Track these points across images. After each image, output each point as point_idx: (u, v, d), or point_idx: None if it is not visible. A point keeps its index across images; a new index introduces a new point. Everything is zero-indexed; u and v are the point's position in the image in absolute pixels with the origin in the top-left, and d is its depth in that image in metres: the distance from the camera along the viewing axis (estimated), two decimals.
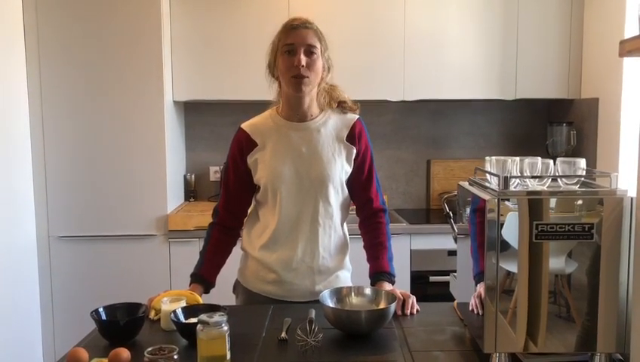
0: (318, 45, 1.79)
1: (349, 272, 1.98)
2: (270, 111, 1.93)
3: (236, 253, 1.98)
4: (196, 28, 3.23)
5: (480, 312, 1.38)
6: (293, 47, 1.77)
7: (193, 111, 3.62)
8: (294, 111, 1.87)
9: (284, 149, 1.85)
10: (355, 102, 1.95)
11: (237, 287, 2.01)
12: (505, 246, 1.30)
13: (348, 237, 1.98)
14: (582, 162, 1.38)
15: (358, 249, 1.98)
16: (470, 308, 1.47)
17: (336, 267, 1.93)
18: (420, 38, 3.29)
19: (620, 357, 1.36)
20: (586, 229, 1.28)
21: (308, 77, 1.77)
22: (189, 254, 2.67)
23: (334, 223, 1.90)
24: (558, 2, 3.32)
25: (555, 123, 3.45)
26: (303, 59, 1.75)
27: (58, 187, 3.06)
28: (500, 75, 3.34)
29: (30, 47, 2.99)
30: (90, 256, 3.08)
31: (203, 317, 1.35)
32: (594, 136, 3.19)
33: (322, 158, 1.85)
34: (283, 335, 1.56)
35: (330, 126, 1.89)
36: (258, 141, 1.87)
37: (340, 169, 1.87)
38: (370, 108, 2.08)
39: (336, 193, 1.88)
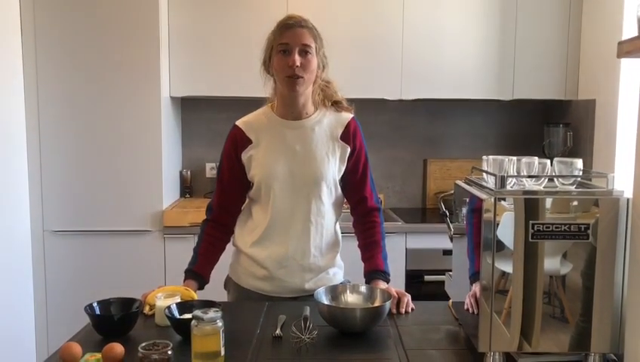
0: (313, 44, 1.77)
1: (341, 269, 1.98)
2: (265, 108, 1.93)
3: (229, 249, 1.98)
4: (194, 24, 3.22)
5: (475, 311, 1.38)
6: (288, 47, 1.76)
7: (190, 108, 3.61)
8: (289, 110, 1.86)
9: (278, 147, 1.85)
10: (350, 102, 1.95)
11: (228, 283, 2.01)
12: (500, 246, 1.30)
13: (340, 235, 1.98)
14: (579, 163, 1.38)
15: (351, 247, 1.98)
16: (465, 308, 1.47)
17: (327, 265, 1.92)
18: (418, 37, 3.28)
19: (614, 358, 1.36)
20: (582, 229, 1.29)
21: (302, 77, 1.76)
22: (184, 250, 2.66)
23: (326, 222, 1.89)
24: (556, 3, 3.32)
25: (551, 124, 3.46)
26: (298, 60, 1.74)
27: (53, 181, 3.05)
28: (498, 75, 3.34)
29: (27, 42, 2.98)
30: (85, 251, 3.07)
31: (197, 313, 1.34)
32: (590, 138, 3.20)
33: (316, 157, 1.84)
34: (277, 332, 1.56)
35: (324, 124, 1.88)
36: (252, 138, 1.86)
37: (334, 168, 1.87)
38: (367, 107, 2.08)
39: (330, 192, 1.88)
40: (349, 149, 1.88)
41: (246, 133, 1.87)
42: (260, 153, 1.85)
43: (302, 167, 1.84)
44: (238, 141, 1.87)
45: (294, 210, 1.85)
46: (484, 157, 1.50)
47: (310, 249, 1.87)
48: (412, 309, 1.77)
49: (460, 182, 1.59)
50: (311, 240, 1.87)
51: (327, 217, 1.89)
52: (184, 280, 1.86)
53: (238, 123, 1.91)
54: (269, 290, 1.90)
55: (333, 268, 1.94)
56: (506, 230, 1.29)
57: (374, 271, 1.89)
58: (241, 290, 1.94)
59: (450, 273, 1.76)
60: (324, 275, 1.91)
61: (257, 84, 1.91)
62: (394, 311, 1.74)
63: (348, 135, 1.89)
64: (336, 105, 1.92)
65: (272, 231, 1.86)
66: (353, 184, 1.93)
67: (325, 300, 1.65)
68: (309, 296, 1.70)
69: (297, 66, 1.74)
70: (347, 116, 1.92)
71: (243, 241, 1.93)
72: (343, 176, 1.90)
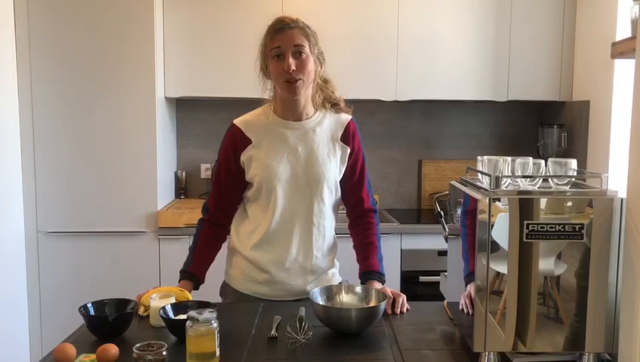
0: (305, 44, 1.75)
1: (337, 269, 1.98)
2: (264, 108, 1.91)
3: (224, 251, 1.97)
4: (189, 24, 3.22)
5: (470, 312, 1.38)
6: (280, 51, 1.74)
7: (185, 108, 3.60)
8: (290, 111, 1.85)
9: (281, 148, 1.83)
10: (348, 104, 1.94)
11: (224, 290, 1.98)
12: (495, 246, 1.30)
13: (335, 237, 1.98)
14: (573, 163, 1.39)
15: (346, 248, 1.98)
16: (460, 308, 1.47)
17: (327, 266, 1.93)
18: (413, 38, 3.29)
19: (608, 357, 1.36)
20: (577, 229, 1.29)
21: (301, 79, 1.75)
22: (179, 251, 2.66)
23: (327, 223, 1.89)
24: (551, 4, 3.34)
25: (546, 125, 3.47)
26: (293, 63, 1.73)
27: (47, 182, 3.04)
28: (493, 76, 3.35)
29: (21, 41, 2.97)
30: (79, 252, 3.06)
31: (192, 313, 1.34)
32: (585, 139, 3.21)
33: (318, 158, 1.84)
34: (273, 332, 1.55)
35: (325, 126, 1.88)
36: (252, 138, 1.84)
37: (335, 169, 1.87)
38: (362, 107, 2.08)
39: (330, 193, 1.88)
40: (348, 150, 1.88)
41: (245, 133, 1.85)
42: (262, 153, 1.83)
43: (305, 168, 1.83)
44: (238, 141, 1.85)
45: (296, 212, 1.84)
46: (479, 157, 1.50)
47: (313, 250, 1.87)
48: (407, 309, 1.77)
49: (455, 183, 1.59)
50: (313, 241, 1.86)
51: (328, 218, 1.89)
52: (179, 281, 1.85)
53: (237, 122, 1.88)
54: (270, 294, 1.88)
55: (332, 269, 1.95)
56: (501, 231, 1.29)
57: (369, 272, 1.88)
58: (240, 296, 1.91)
59: (446, 273, 1.77)
60: (325, 276, 1.91)
61: (253, 85, 1.90)
62: (389, 311, 1.74)
63: (348, 136, 1.89)
64: (336, 106, 1.92)
65: (274, 233, 1.85)
66: (351, 186, 1.93)
67: (320, 300, 1.65)
68: (308, 298, 1.69)
69: (293, 70, 1.73)
70: (346, 117, 1.92)
71: (241, 244, 1.90)
72: (341, 177, 1.90)
